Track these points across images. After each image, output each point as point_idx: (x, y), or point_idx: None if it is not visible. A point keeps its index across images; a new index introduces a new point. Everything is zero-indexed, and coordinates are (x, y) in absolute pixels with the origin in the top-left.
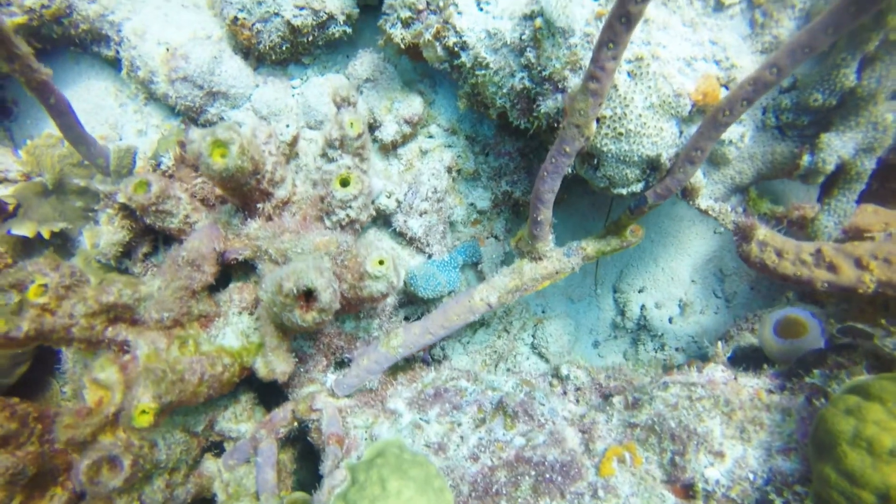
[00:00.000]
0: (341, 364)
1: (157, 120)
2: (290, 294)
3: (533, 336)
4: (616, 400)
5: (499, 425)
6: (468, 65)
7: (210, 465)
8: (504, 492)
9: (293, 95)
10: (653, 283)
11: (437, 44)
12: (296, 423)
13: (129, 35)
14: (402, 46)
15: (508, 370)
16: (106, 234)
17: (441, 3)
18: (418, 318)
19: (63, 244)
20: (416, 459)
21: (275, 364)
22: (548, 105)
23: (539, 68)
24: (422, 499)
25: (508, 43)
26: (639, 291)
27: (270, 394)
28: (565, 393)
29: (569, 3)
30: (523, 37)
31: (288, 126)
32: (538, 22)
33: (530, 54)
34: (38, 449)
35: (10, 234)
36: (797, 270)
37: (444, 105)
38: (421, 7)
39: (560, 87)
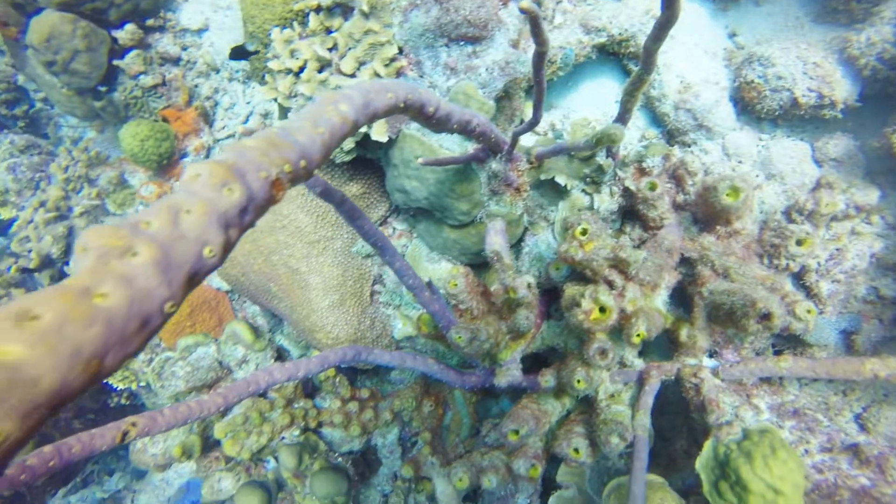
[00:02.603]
0: (711, 354)
1: (642, 123)
2: (759, 311)
3: (864, 408)
4: None
5: (846, 462)
6: None
7: (604, 374)
8: None
9: (757, 146)
10: None
11: None
12: (672, 377)
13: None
14: None
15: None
16: (605, 203)
17: None
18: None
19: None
20: (792, 449)
21: (698, 339)
22: None
23: None
24: (799, 474)
25: None
26: None
27: None
28: None
29: None
30: None
31: (757, 176)
32: None
33: None
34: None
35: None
36: None
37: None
38: None
39: None
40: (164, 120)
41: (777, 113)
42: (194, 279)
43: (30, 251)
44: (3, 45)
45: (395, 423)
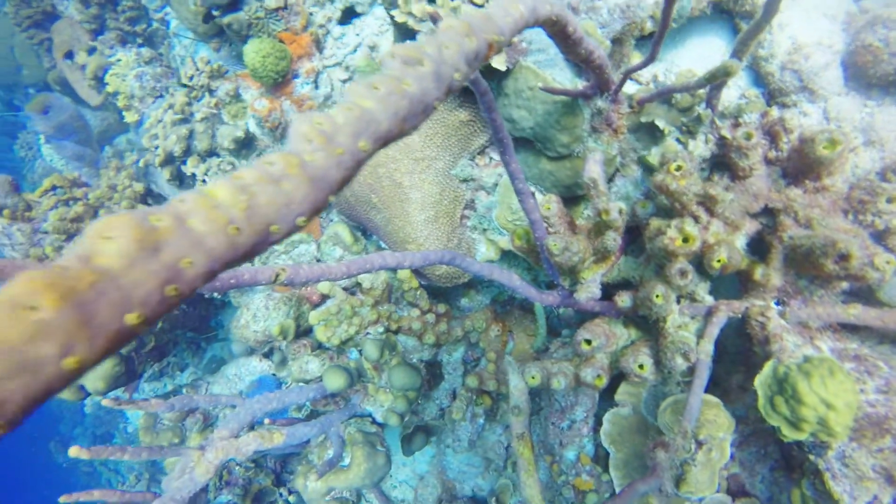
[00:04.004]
0: (779, 302)
1: (743, 83)
2: (837, 253)
3: None
4: None
5: None
6: None
7: (675, 307)
8: (893, 433)
9: (861, 113)
10: None
11: None
12: (739, 315)
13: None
14: None
15: None
16: (698, 148)
17: None
18: None
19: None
20: (851, 376)
21: (772, 278)
22: None
23: None
24: (854, 396)
25: None
26: None
27: None
28: None
29: None
30: None
31: (856, 138)
32: None
33: None
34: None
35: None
36: None
37: None
38: None
39: None
40: (281, 42)
41: (891, 78)
42: (450, 91)
43: (157, 147)
44: None
45: (462, 341)
